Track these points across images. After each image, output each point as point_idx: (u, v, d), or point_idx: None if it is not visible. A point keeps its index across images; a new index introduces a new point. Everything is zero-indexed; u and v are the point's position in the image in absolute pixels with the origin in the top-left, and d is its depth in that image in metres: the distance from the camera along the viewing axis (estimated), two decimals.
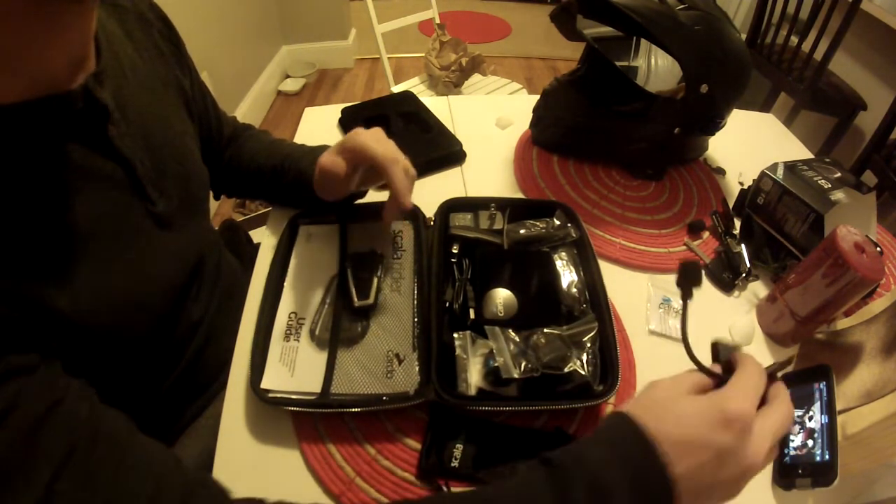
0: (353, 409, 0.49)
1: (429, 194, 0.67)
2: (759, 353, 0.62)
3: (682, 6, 0.69)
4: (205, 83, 0.65)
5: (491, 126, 0.94)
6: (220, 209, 1.88)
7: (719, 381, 0.37)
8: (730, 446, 0.32)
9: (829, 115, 1.90)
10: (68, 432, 0.33)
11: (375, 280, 0.58)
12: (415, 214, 0.65)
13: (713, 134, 0.81)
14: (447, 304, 0.56)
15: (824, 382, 0.52)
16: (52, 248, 0.37)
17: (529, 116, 0.86)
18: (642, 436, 0.33)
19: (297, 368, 0.52)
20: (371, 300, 0.56)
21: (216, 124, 0.67)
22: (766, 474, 0.51)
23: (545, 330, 0.52)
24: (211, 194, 0.66)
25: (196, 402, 0.60)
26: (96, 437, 0.34)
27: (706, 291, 0.68)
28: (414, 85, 1.91)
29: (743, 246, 0.71)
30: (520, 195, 0.77)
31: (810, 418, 0.51)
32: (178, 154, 0.53)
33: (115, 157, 0.43)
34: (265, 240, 0.66)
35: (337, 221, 0.65)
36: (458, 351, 0.51)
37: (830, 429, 0.48)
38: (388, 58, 1.85)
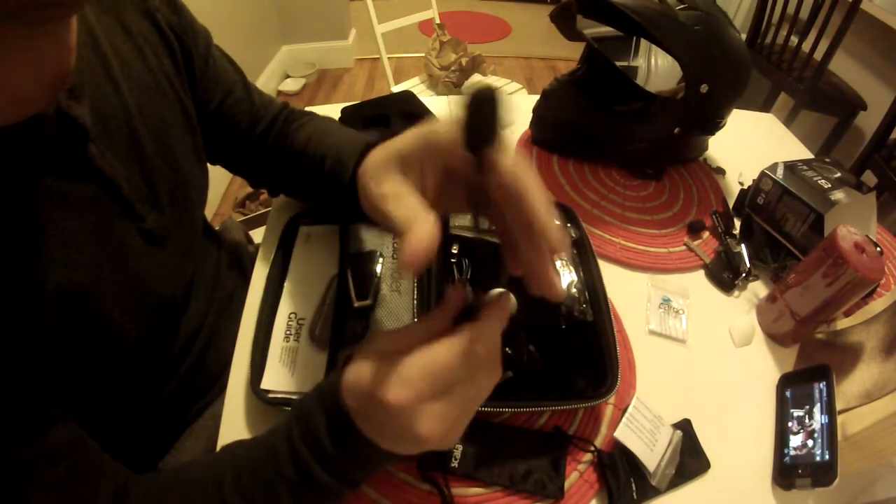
0: None
1: None
2: (760, 353, 0.62)
3: (682, 6, 0.69)
4: (238, 67, 0.63)
5: None
6: (220, 209, 1.88)
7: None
8: (386, 419, 0.31)
9: (829, 115, 1.90)
10: None
11: (375, 280, 0.57)
12: None
13: (713, 134, 0.81)
14: None
15: (824, 382, 0.52)
16: (21, 280, 0.34)
17: (529, 116, 0.86)
18: (338, 386, 0.33)
19: (297, 369, 0.52)
20: (371, 300, 0.56)
21: (247, 107, 0.61)
22: (766, 474, 0.51)
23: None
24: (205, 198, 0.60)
25: (197, 404, 0.60)
26: None
27: (706, 291, 0.68)
28: (414, 85, 1.91)
29: (743, 246, 0.71)
30: None
31: (810, 418, 0.51)
32: (176, 160, 0.49)
33: (95, 177, 0.39)
34: (265, 240, 0.66)
35: (337, 221, 0.65)
36: None
37: (830, 429, 0.49)
38: (388, 58, 1.85)
